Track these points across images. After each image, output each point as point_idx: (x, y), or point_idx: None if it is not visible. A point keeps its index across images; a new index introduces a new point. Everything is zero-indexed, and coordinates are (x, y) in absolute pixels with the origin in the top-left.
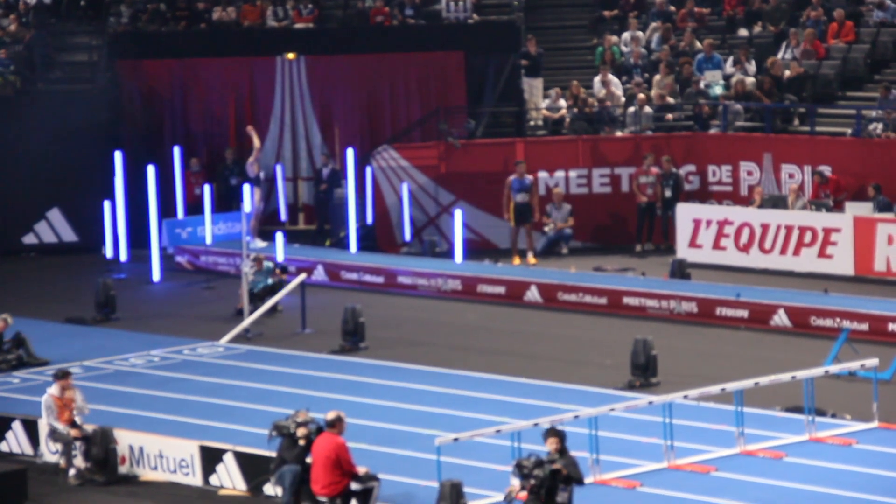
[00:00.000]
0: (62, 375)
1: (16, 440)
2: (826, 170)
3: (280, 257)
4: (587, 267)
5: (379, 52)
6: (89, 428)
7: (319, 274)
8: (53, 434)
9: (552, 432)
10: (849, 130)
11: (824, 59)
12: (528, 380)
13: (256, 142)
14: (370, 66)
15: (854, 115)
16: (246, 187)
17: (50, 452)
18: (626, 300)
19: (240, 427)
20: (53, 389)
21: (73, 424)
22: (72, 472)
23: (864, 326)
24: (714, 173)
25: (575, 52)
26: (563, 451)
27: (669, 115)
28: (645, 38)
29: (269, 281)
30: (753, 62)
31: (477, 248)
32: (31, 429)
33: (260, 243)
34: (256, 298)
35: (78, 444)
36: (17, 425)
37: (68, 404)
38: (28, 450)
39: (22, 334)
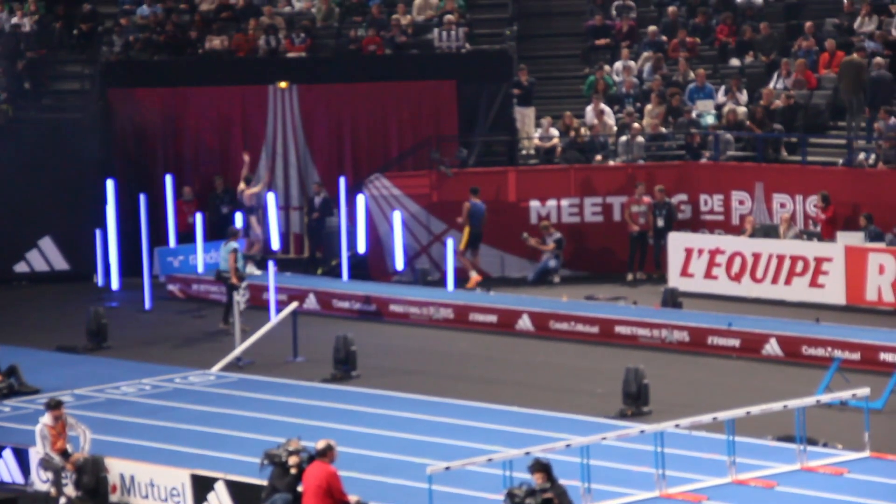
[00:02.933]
0: (54, 405)
1: (6, 469)
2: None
3: (272, 286)
4: (579, 296)
5: (371, 81)
6: (82, 457)
7: (311, 302)
8: (44, 462)
9: (537, 467)
10: (840, 160)
11: (815, 89)
12: (519, 408)
13: (245, 170)
14: (362, 94)
15: (845, 144)
16: (238, 216)
17: (41, 481)
18: (618, 329)
19: (231, 455)
20: (46, 419)
21: (65, 454)
22: (62, 500)
23: (856, 356)
24: (706, 202)
25: (567, 82)
26: (551, 481)
27: (656, 159)
28: (637, 67)
29: (247, 269)
30: (745, 92)
31: (469, 277)
32: (22, 457)
33: (255, 271)
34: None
35: (68, 472)
36: (7, 454)
37: (62, 433)
38: (19, 478)
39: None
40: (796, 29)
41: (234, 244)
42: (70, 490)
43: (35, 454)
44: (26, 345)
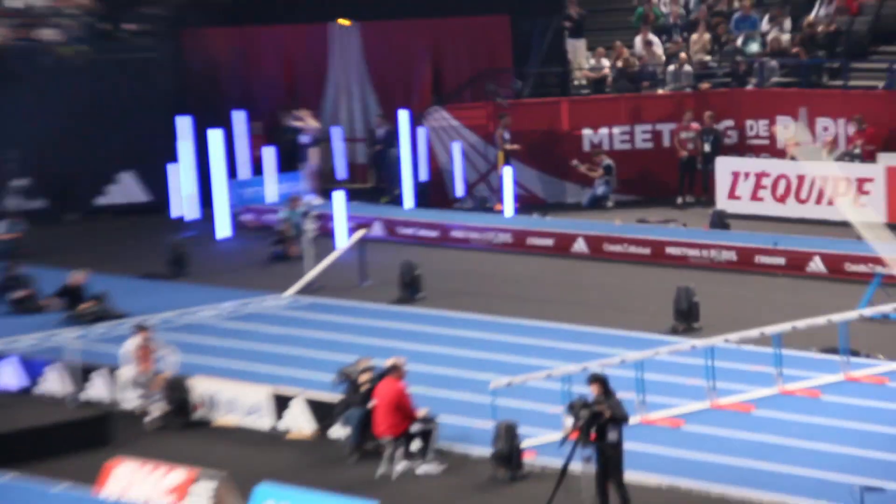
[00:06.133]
0: (141, 328)
1: (98, 389)
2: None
3: (342, 214)
4: (631, 219)
5: (429, 16)
6: (167, 376)
7: (377, 229)
8: (133, 382)
9: (593, 378)
10: (881, 84)
11: (857, 16)
12: (576, 326)
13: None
14: (421, 30)
15: (886, 68)
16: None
17: (130, 400)
18: (669, 250)
19: (307, 374)
20: (134, 341)
21: (152, 374)
22: (151, 417)
23: None
24: (751, 128)
25: (616, 14)
26: (607, 393)
27: (706, 84)
28: None
29: (304, 222)
30: (789, 19)
31: (526, 203)
32: (112, 378)
33: (317, 200)
34: (296, 239)
35: (155, 391)
36: (98, 375)
37: (147, 354)
38: (110, 397)
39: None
40: None
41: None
42: (157, 408)
43: (124, 375)
44: (113, 272)
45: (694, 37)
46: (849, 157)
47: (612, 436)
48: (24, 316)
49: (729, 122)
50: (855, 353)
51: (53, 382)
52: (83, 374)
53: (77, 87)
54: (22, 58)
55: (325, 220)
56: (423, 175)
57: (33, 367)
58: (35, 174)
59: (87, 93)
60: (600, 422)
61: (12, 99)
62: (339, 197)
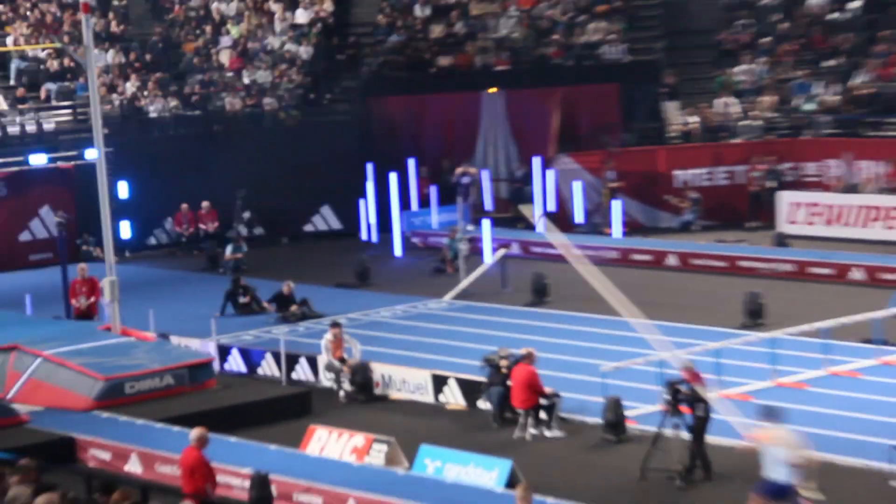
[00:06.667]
0: (334, 325)
1: (302, 371)
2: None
3: (489, 237)
4: (711, 239)
5: (557, 85)
6: (354, 362)
7: (515, 248)
8: (328, 366)
9: (685, 365)
10: None
11: (890, 81)
12: (668, 322)
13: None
14: (551, 96)
15: None
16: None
17: (325, 380)
18: (741, 263)
19: (459, 360)
20: (329, 335)
21: (342, 360)
22: (341, 393)
23: None
24: (807, 168)
25: (702, 81)
26: (695, 376)
27: (771, 135)
28: (755, 69)
29: (460, 245)
30: (837, 85)
31: (630, 227)
32: (312, 363)
33: (470, 227)
34: (453, 260)
35: (345, 373)
36: (303, 360)
37: (340, 345)
38: (311, 378)
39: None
40: (874, 37)
41: (447, 241)
42: (346, 386)
43: (321, 361)
44: (314, 283)
45: (762, 99)
46: (883, 191)
47: (700, 410)
48: (248, 316)
49: (789, 165)
50: (887, 343)
51: (269, 367)
52: (291, 361)
53: (290, 142)
54: (249, 121)
55: (476, 241)
56: (552, 206)
57: (254, 356)
58: (257, 208)
59: (297, 146)
60: (679, 398)
61: (242, 152)
62: (486, 224)
